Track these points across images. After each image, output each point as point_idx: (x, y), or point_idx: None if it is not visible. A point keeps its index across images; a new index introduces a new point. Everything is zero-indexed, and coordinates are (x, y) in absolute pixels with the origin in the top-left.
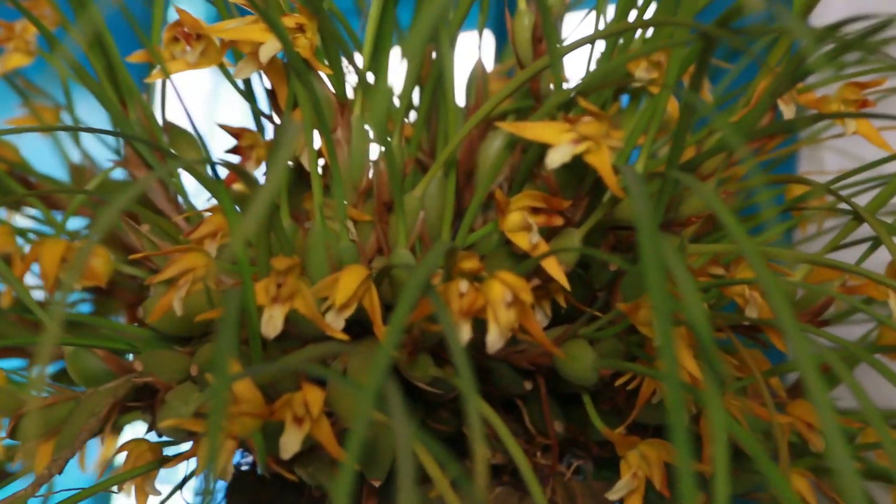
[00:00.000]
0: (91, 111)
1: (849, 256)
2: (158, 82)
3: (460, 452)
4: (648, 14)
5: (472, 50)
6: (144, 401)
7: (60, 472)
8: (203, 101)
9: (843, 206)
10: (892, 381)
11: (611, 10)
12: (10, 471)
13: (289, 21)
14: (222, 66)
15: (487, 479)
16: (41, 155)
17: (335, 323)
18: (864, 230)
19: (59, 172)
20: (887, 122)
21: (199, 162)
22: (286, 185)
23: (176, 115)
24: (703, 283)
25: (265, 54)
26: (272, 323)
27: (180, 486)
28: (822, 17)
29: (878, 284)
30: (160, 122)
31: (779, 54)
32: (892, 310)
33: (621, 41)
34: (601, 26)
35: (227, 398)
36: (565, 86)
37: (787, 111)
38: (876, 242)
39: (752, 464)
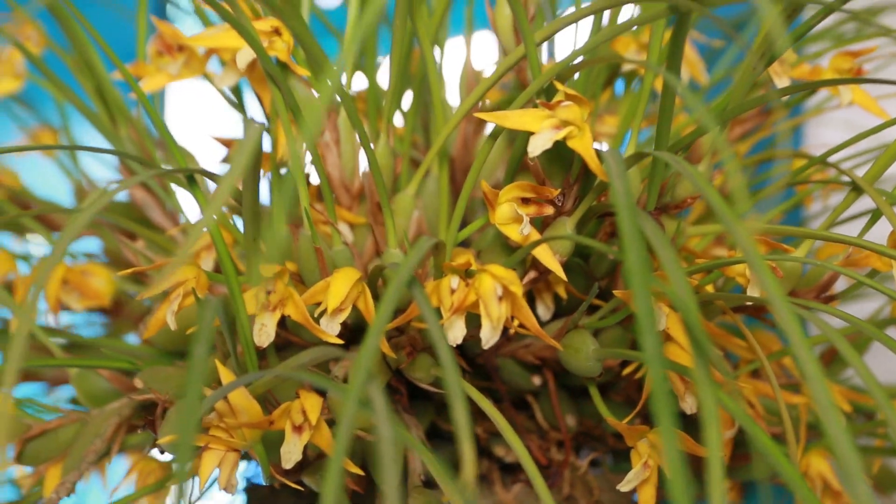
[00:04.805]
0: (91, 134)
1: (851, 232)
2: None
3: (476, 452)
4: None
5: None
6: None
7: (68, 495)
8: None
9: (844, 180)
10: None
11: None
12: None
13: (262, 25)
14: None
15: (501, 478)
16: (43, 181)
17: (330, 328)
18: (866, 204)
19: (62, 197)
20: (885, 90)
21: (182, 172)
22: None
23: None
24: (693, 264)
25: (242, 60)
26: (264, 331)
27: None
28: None
29: (882, 256)
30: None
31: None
32: None
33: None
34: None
35: (225, 410)
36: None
37: (780, 84)
38: (876, 214)
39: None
